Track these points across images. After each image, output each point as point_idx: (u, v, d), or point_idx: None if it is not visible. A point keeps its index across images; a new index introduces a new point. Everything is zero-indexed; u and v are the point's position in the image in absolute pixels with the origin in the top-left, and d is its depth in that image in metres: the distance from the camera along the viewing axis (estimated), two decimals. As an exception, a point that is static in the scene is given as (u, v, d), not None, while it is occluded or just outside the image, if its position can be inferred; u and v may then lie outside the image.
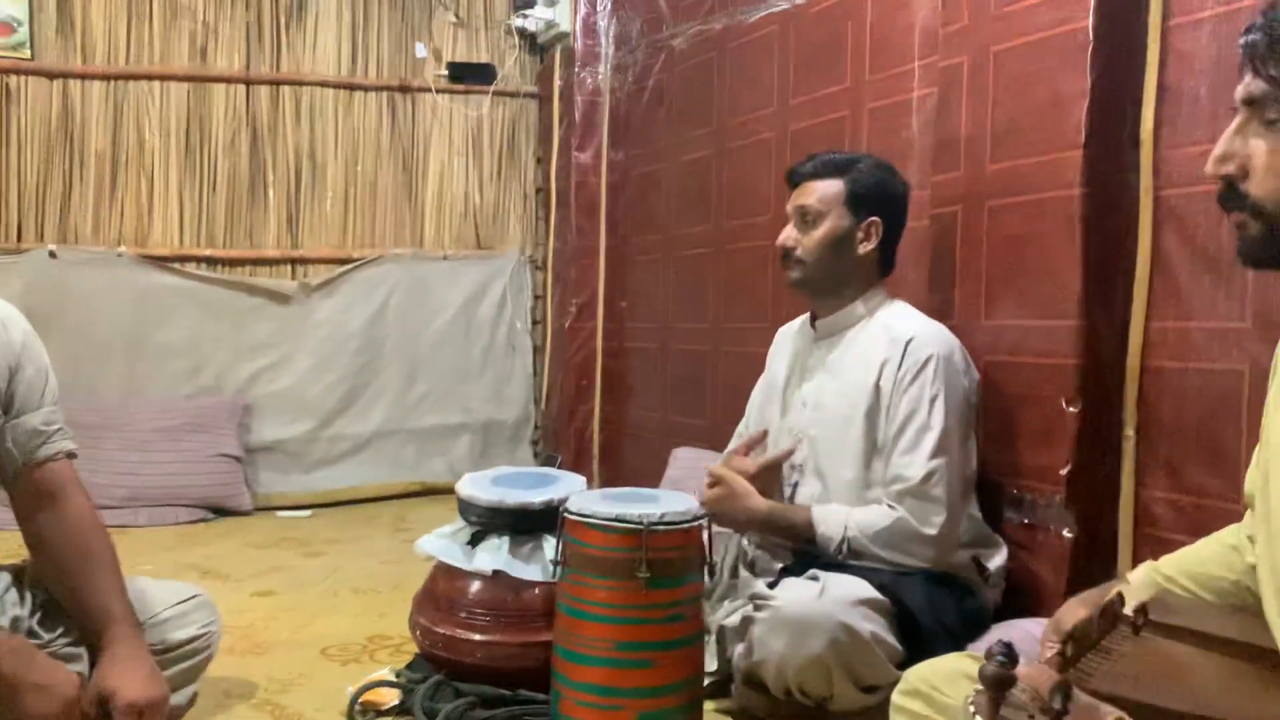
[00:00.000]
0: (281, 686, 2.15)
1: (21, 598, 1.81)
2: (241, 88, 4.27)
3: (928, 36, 2.43)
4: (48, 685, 1.57)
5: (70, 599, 1.79)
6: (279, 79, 4.32)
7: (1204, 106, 1.86)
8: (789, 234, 2.11)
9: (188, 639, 1.91)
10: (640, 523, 1.71)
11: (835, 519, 1.95)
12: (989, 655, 0.84)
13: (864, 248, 2.09)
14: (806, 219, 2.08)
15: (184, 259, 4.23)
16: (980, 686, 0.83)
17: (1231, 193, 1.02)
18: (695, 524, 1.78)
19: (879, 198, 2.09)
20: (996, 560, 2.02)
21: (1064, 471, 1.96)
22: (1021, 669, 0.86)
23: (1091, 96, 1.95)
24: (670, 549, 1.74)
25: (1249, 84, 0.99)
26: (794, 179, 2.14)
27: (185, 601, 1.96)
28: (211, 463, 3.98)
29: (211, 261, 4.28)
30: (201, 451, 3.97)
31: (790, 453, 2.11)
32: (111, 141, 4.14)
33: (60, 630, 1.79)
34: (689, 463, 3.16)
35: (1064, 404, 1.96)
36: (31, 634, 1.76)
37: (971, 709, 0.83)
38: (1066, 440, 1.96)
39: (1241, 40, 1.00)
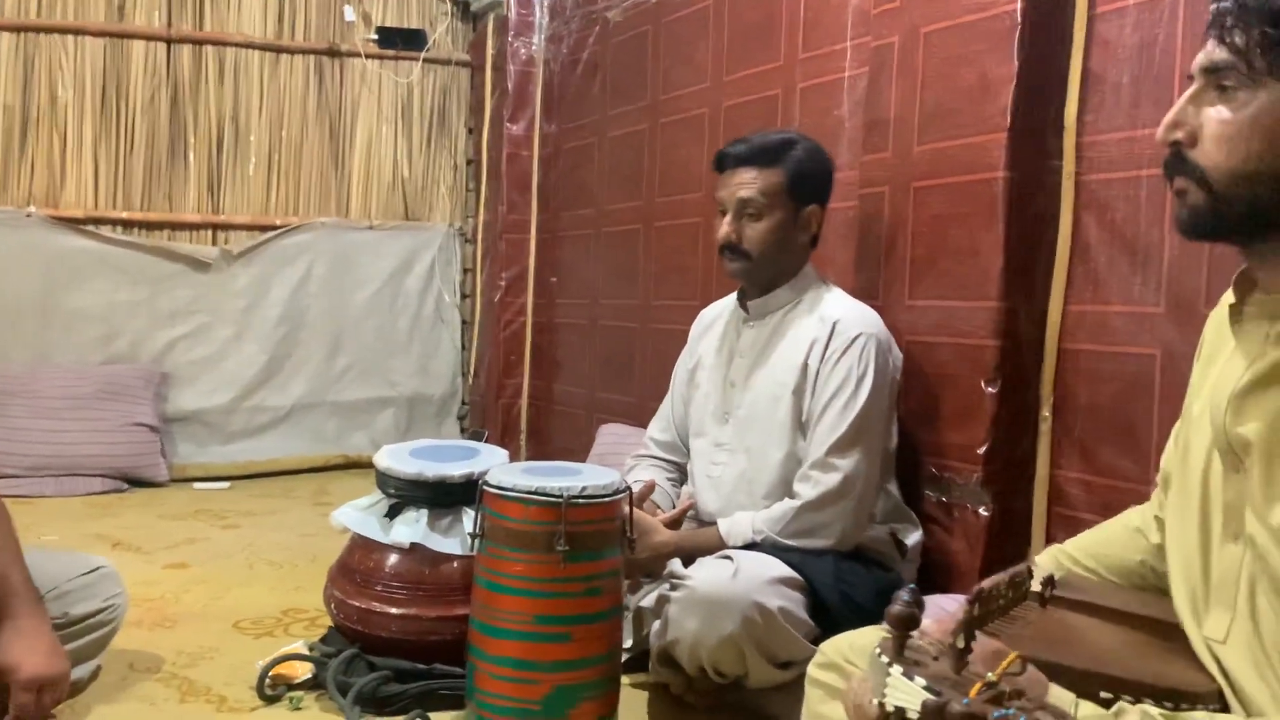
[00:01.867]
0: (190, 660, 2.10)
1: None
2: (162, 45, 4.12)
3: (860, 16, 2.43)
4: None
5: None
6: (202, 38, 4.18)
7: (1126, 94, 1.88)
8: (730, 227, 2.06)
9: (91, 612, 1.86)
10: (560, 496, 1.69)
11: (741, 526, 1.95)
12: (894, 598, 0.84)
13: (805, 235, 2.09)
14: (749, 211, 2.04)
15: (98, 221, 4.09)
16: (887, 627, 0.84)
17: (1178, 160, 1.02)
18: (616, 498, 1.77)
19: (817, 185, 2.08)
20: (914, 537, 2.04)
21: (981, 450, 1.98)
22: (927, 622, 0.87)
23: (1018, 81, 1.96)
24: (590, 523, 1.73)
25: (1211, 52, 0.99)
26: (725, 164, 2.08)
27: (89, 574, 1.91)
28: (125, 432, 3.86)
29: (128, 225, 4.13)
30: (115, 421, 3.85)
31: (690, 508, 2.10)
32: (21, 96, 3.97)
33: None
34: (616, 439, 3.15)
35: (983, 384, 1.99)
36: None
37: (878, 650, 0.83)
38: (985, 420, 1.99)
39: (1212, 8, 1.00)
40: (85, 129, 4.05)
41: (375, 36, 4.43)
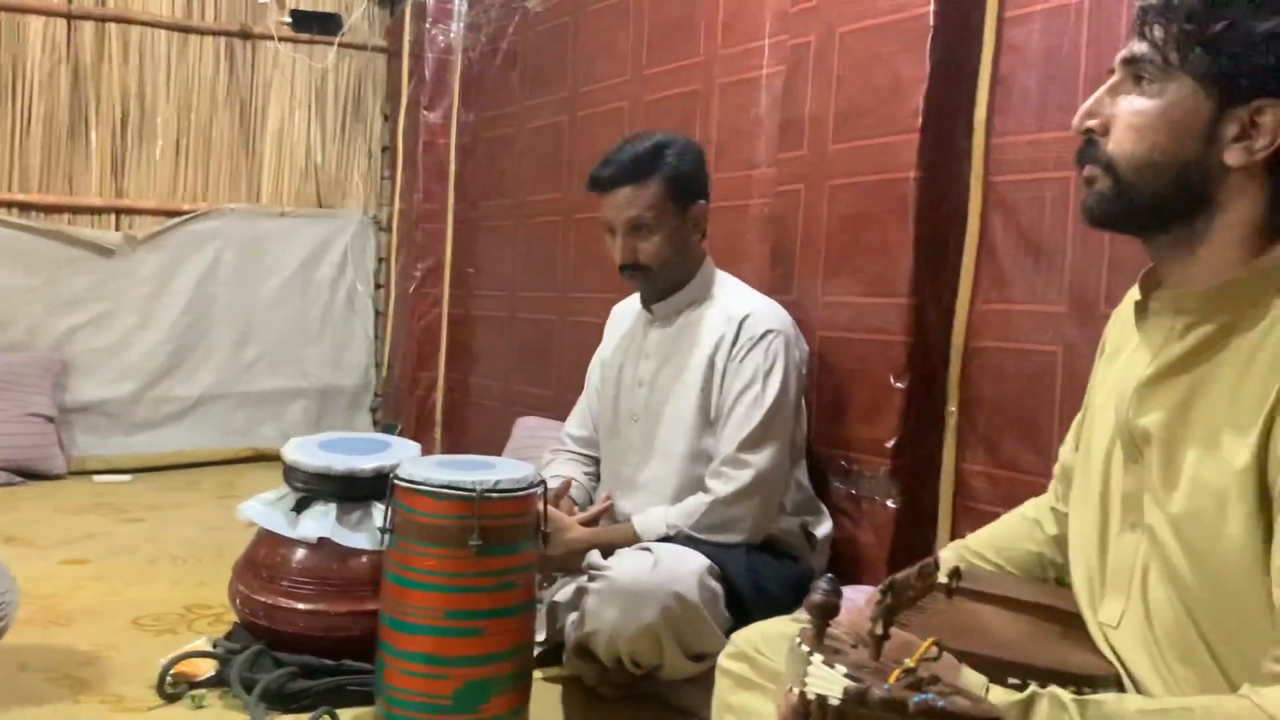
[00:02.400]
0: (85, 659, 2.03)
1: None
2: (62, 21, 3.96)
3: (779, 14, 2.45)
4: None
5: None
6: (105, 15, 4.03)
7: (1033, 98, 1.93)
8: (625, 247, 2.04)
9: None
10: (473, 490, 1.68)
11: (654, 520, 1.96)
12: (814, 587, 0.85)
13: (696, 234, 2.09)
14: (639, 228, 2.03)
15: (-7, 203, 3.92)
16: (807, 616, 0.85)
17: (1089, 148, 1.05)
18: (530, 492, 1.76)
19: (696, 183, 2.08)
20: (823, 529, 2.07)
21: (890, 444, 2.02)
22: (843, 615, 0.88)
23: (930, 83, 2.00)
24: (503, 517, 1.72)
25: (1132, 45, 1.02)
26: (601, 186, 2.06)
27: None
28: (20, 423, 3.71)
29: (25, 207, 3.97)
30: (9, 411, 3.70)
31: (607, 509, 2.10)
32: (-93, 70, 3.79)
33: None
34: (532, 432, 3.13)
35: (892, 380, 2.03)
36: None
37: (798, 640, 0.84)
38: (894, 414, 2.02)
39: (1138, 4, 1.03)
40: (-23, 107, 3.88)
41: (289, 20, 4.32)
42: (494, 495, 1.70)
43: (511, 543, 1.74)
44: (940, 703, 0.75)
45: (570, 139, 3.34)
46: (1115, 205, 1.04)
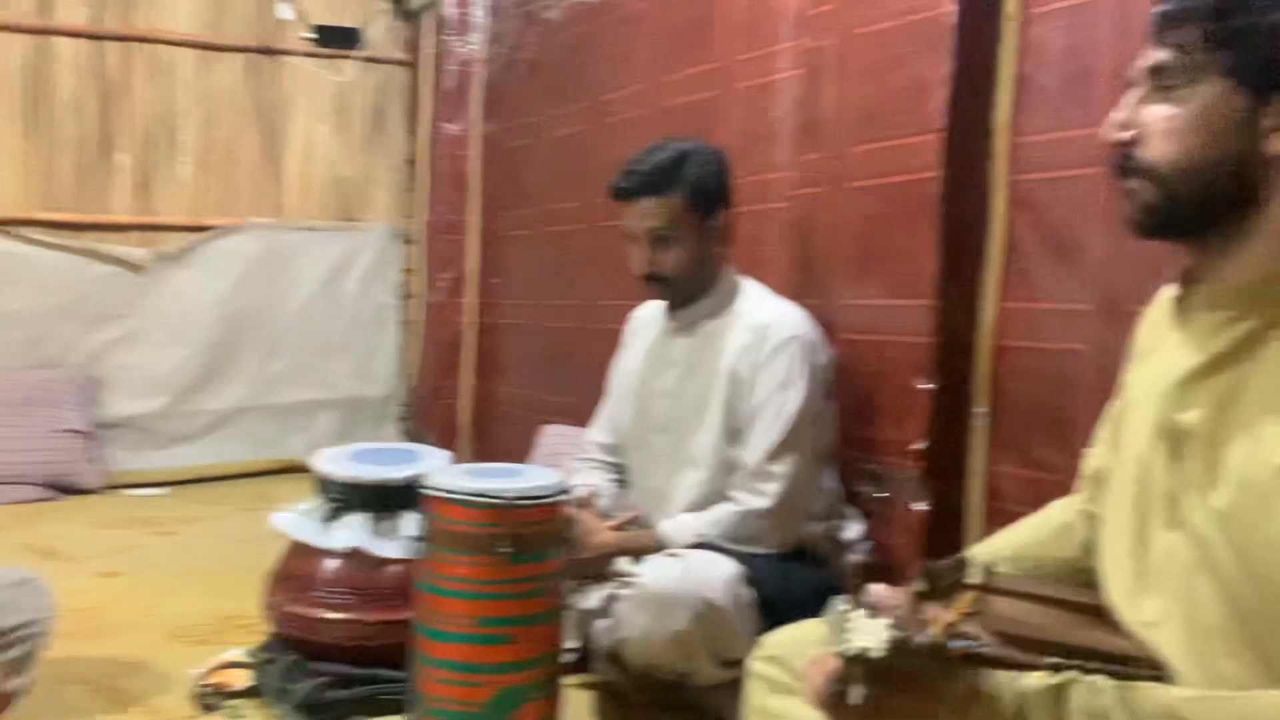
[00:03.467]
0: (123, 670, 2.06)
1: None
2: (89, 43, 4.02)
3: (797, 18, 2.45)
4: None
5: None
6: (130, 35, 4.09)
7: (1056, 97, 1.92)
8: (645, 258, 2.04)
9: (18, 625, 1.81)
10: (502, 498, 1.69)
11: (682, 528, 1.96)
12: (853, 550, 0.87)
13: (718, 243, 2.09)
14: (661, 239, 2.02)
15: (24, 223, 3.97)
16: (847, 576, 0.86)
17: (1126, 160, 1.04)
18: (558, 499, 1.77)
19: (718, 191, 2.07)
20: (852, 533, 2.07)
21: (917, 447, 2.02)
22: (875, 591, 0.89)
23: (952, 82, 2.00)
24: (532, 524, 1.73)
25: (1154, 54, 1.02)
26: (623, 196, 2.06)
27: (15, 586, 1.86)
28: (54, 439, 3.77)
29: (56, 226, 4.03)
30: (43, 427, 3.76)
31: (634, 519, 2.09)
32: (-59, 94, 3.86)
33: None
34: (557, 440, 3.15)
35: (918, 381, 2.02)
36: None
37: (838, 601, 0.85)
38: (920, 416, 2.02)
39: (1153, 11, 1.02)
40: (9, 128, 3.94)
41: (310, 35, 4.37)
42: (523, 502, 1.71)
43: (540, 550, 1.75)
44: (982, 648, 0.76)
45: (591, 147, 3.35)
46: (1162, 214, 1.03)
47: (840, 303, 2.20)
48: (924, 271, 2.02)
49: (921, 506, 2.02)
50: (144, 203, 4.17)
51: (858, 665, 0.81)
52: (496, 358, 4.01)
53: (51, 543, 3.05)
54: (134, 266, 4.12)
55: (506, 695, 1.72)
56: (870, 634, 0.80)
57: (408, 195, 4.58)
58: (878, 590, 0.88)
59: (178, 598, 2.56)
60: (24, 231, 3.96)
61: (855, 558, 0.84)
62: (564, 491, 1.80)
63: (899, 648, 0.78)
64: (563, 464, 2.44)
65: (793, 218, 2.35)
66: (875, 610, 0.83)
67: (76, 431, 3.84)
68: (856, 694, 0.81)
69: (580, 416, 2.58)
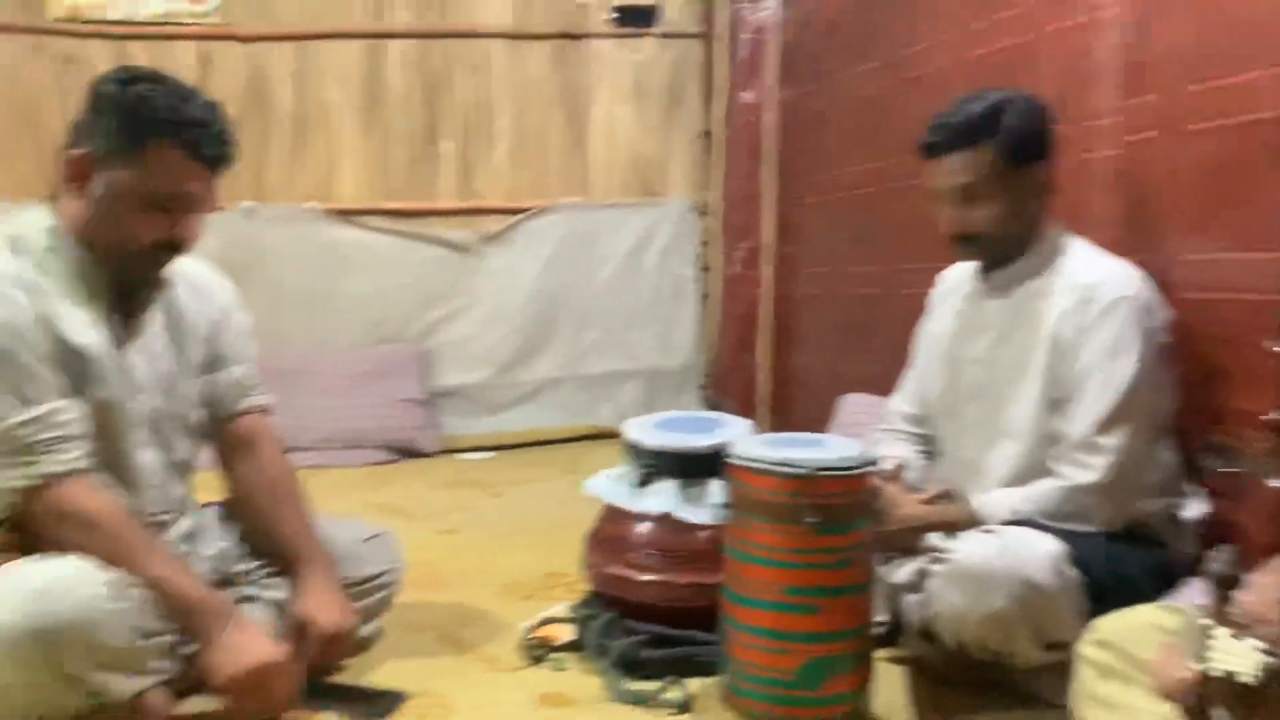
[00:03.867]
0: (461, 620, 2.24)
1: (229, 531, 1.96)
2: (414, 43, 4.39)
3: (1119, -50, 2.25)
4: (236, 649, 1.66)
5: (266, 538, 1.93)
6: (450, 32, 4.41)
7: None
8: (954, 216, 1.94)
9: (374, 574, 2.02)
10: (807, 468, 1.69)
11: (998, 504, 1.86)
12: (1212, 558, 0.79)
13: (1036, 199, 1.96)
14: (971, 197, 1.91)
15: (366, 212, 4.41)
16: (1207, 587, 0.79)
17: None
18: (863, 470, 1.75)
19: (1037, 143, 1.93)
20: (1192, 511, 1.89)
21: (1271, 417, 1.81)
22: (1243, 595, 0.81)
23: (1309, 6, 1.76)
24: (837, 495, 1.72)
25: None
26: (932, 153, 1.96)
27: (372, 539, 2.08)
28: (396, 407, 4.18)
29: (392, 214, 4.44)
30: (387, 396, 4.17)
31: (945, 493, 2.00)
32: (298, 101, 4.34)
33: (261, 562, 1.93)
34: (858, 410, 3.10)
35: (1269, 344, 1.81)
36: (238, 561, 1.91)
37: (1198, 615, 0.79)
38: (1273, 382, 1.81)
39: None
40: (352, 127, 4.38)
41: (611, 16, 4.52)
42: (827, 473, 1.70)
43: (847, 521, 1.73)
44: None
45: (892, 105, 3.24)
46: None
47: (1178, 259, 2.01)
48: (1272, 221, 1.80)
49: (1276, 483, 1.81)
50: (466, 188, 4.50)
51: (1223, 686, 0.74)
52: (794, 327, 4.00)
53: (396, 501, 3.37)
54: (460, 248, 4.47)
55: (816, 665, 1.72)
56: (1238, 656, 0.73)
57: (704, 168, 4.65)
58: (1248, 605, 0.80)
59: (507, 554, 2.76)
60: (366, 220, 4.40)
61: (1214, 566, 0.76)
62: (870, 463, 1.77)
63: (1273, 675, 0.70)
64: (863, 434, 2.40)
65: (1121, 168, 2.16)
66: (1242, 628, 0.75)
67: (415, 400, 4.24)
68: (1220, 717, 0.75)
69: (881, 386, 2.52)
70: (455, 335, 4.49)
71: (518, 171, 4.54)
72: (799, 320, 3.97)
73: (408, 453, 4.16)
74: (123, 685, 1.56)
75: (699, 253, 4.69)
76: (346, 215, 4.38)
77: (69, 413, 1.68)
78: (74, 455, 1.67)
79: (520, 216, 4.51)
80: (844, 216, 3.57)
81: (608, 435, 4.39)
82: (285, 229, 4.31)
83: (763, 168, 4.07)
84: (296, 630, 1.77)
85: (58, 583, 1.51)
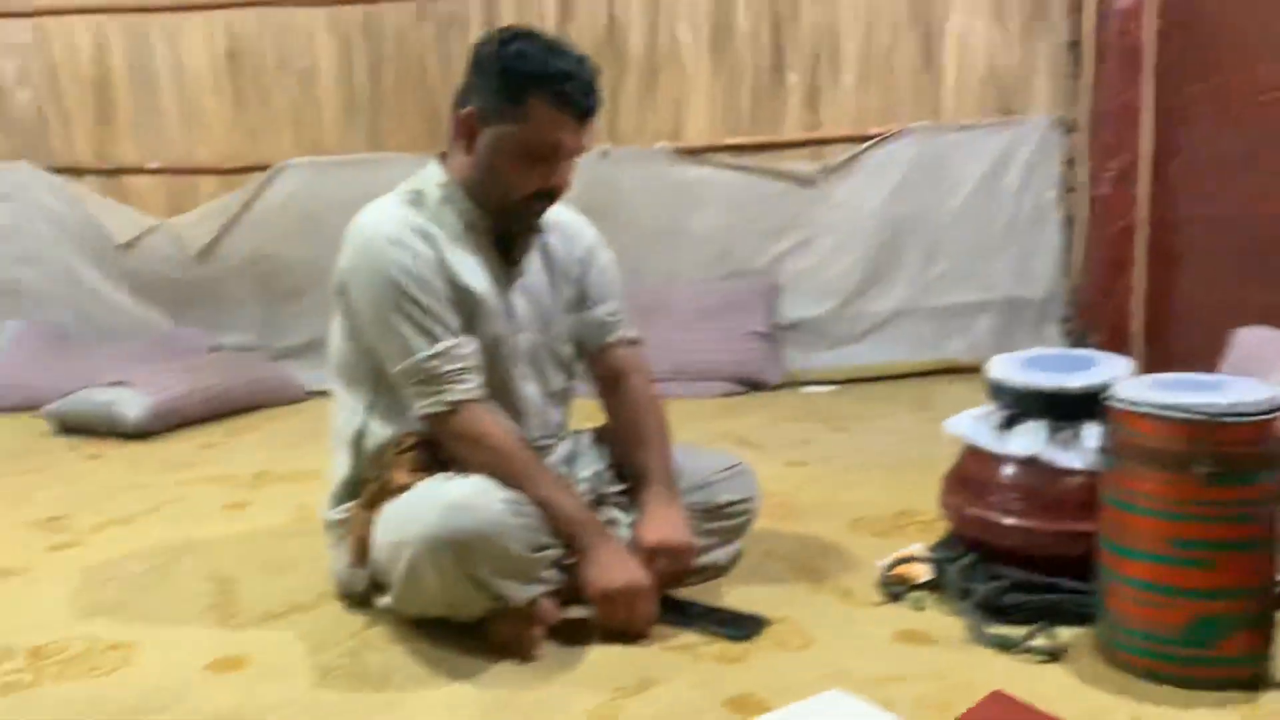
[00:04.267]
0: (813, 551, 2.27)
1: (602, 455, 2.11)
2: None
3: None
4: (609, 566, 1.82)
5: (624, 463, 2.06)
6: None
7: None
8: None
9: (729, 501, 2.11)
10: (1204, 413, 1.54)
11: None
12: None
13: None
14: None
15: (713, 149, 4.49)
16: None
17: None
18: (1273, 417, 1.57)
19: None
20: None
21: None
22: None
23: None
24: (1239, 443, 1.55)
25: None
26: None
27: (729, 469, 2.16)
28: (742, 340, 4.26)
29: (737, 149, 4.49)
30: (734, 330, 4.26)
31: None
32: (650, 45, 4.46)
33: (627, 486, 2.07)
34: (1258, 346, 2.76)
35: None
36: (609, 484, 2.07)
37: None
38: None
39: None
40: (700, 66, 4.45)
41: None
42: (1228, 419, 1.54)
43: (1249, 472, 1.57)
44: None
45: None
46: None
47: None
48: None
49: None
50: (811, 119, 4.45)
51: None
52: (1175, 252, 3.63)
53: (744, 433, 3.46)
54: (804, 180, 4.44)
55: (1203, 623, 1.59)
56: None
57: (1070, 81, 4.29)
58: None
59: (856, 489, 2.76)
60: (713, 157, 4.48)
61: None
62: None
63: None
64: (1266, 374, 2.14)
65: None
66: None
67: (760, 334, 4.30)
68: None
69: (1287, 318, 2.24)
70: (799, 268, 4.49)
71: (864, 97, 4.42)
72: (1182, 244, 3.59)
73: (752, 385, 4.23)
74: (520, 592, 1.74)
75: (1062, 173, 4.36)
76: (694, 153, 4.48)
77: (467, 347, 1.87)
78: (473, 385, 1.86)
79: (867, 144, 4.40)
80: (1245, 126, 3.17)
81: (959, 370, 4.25)
82: (637, 169, 4.48)
83: (1141, 76, 3.69)
84: (641, 552, 1.88)
85: (468, 498, 1.70)
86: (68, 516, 2.73)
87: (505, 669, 1.74)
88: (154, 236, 4.61)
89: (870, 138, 4.40)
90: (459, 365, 1.86)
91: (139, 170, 4.66)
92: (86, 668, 1.80)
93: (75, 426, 3.77)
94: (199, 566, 2.31)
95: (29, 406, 4.07)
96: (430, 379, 1.84)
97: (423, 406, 1.85)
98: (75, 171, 4.66)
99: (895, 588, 2.01)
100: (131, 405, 3.68)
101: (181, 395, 3.84)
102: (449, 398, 1.84)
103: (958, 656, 1.75)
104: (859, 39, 4.37)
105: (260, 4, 4.50)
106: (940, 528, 2.17)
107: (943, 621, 1.89)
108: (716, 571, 2.11)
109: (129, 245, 4.61)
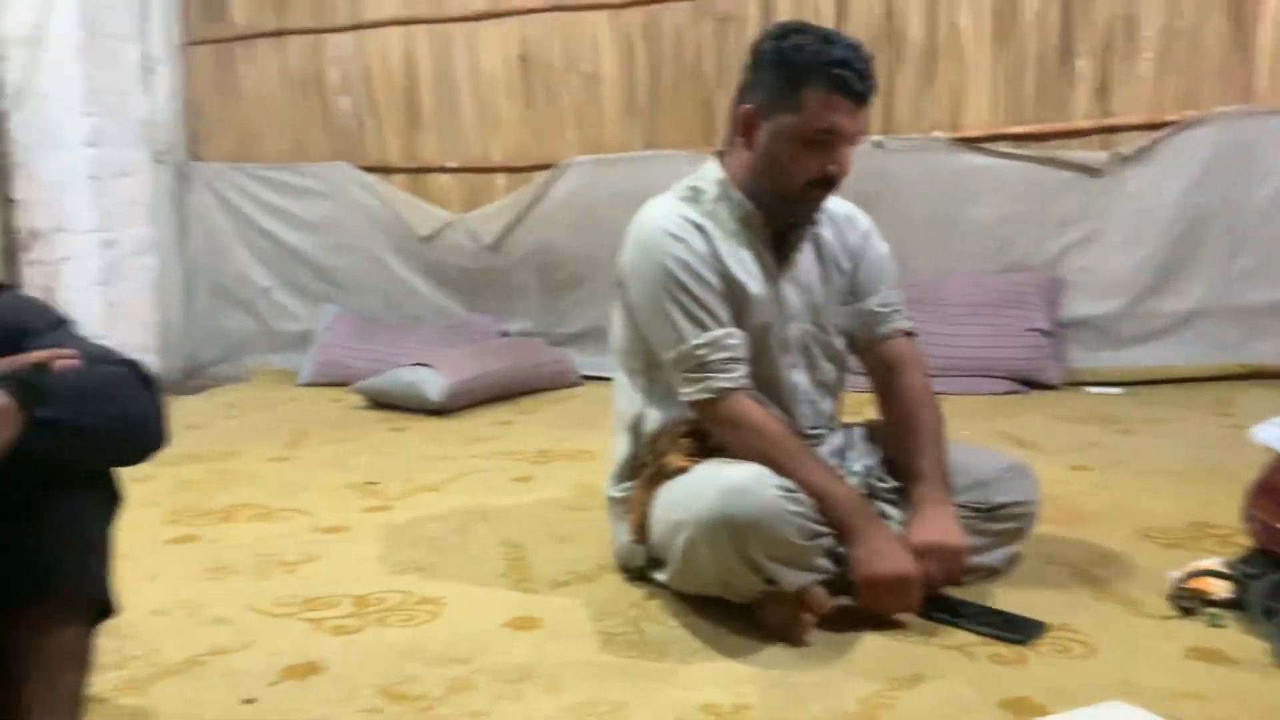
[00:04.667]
0: (1096, 559, 2.18)
1: (873, 450, 2.12)
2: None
3: None
4: (880, 554, 1.83)
5: (896, 459, 2.05)
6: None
7: None
8: None
9: (1007, 503, 2.06)
10: None
11: None
12: None
13: None
14: None
15: (993, 139, 4.33)
16: None
17: None
18: None
19: None
20: None
21: None
22: None
23: None
24: None
25: None
26: None
27: (1007, 469, 2.11)
28: (1021, 337, 4.10)
29: (1020, 139, 4.31)
30: (1011, 326, 4.11)
31: None
32: (929, 32, 4.36)
33: (895, 484, 2.06)
34: None
35: None
36: (879, 479, 2.06)
37: None
38: None
39: None
40: (982, 53, 4.31)
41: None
42: None
43: None
44: None
45: None
46: None
47: None
48: None
49: None
50: (1102, 106, 4.21)
51: None
52: None
53: (1023, 433, 3.33)
54: (1092, 170, 4.20)
55: None
56: None
57: None
58: None
59: (1146, 497, 2.61)
60: (993, 146, 4.32)
61: None
62: None
63: None
64: None
65: None
66: None
67: (1041, 330, 4.11)
68: None
69: None
70: (1085, 263, 4.25)
71: (1163, 82, 4.13)
72: None
73: (1030, 383, 4.07)
74: (792, 578, 1.80)
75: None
76: (973, 143, 4.34)
77: (735, 338, 1.94)
78: (740, 374, 1.93)
79: (1165, 131, 4.10)
80: None
81: (1266, 375, 3.90)
82: (912, 159, 4.38)
83: None
84: (911, 549, 1.87)
85: (745, 483, 1.77)
86: (380, 482, 3.04)
87: (779, 650, 1.80)
88: (451, 230, 5.00)
89: (1167, 124, 4.10)
90: (726, 355, 1.93)
91: (439, 169, 5.06)
92: (403, 617, 2.01)
93: (384, 402, 4.18)
94: (493, 533, 2.52)
95: (344, 382, 4.55)
96: (699, 366, 1.93)
97: (690, 393, 1.94)
98: (385, 170, 5.13)
99: (1188, 602, 1.90)
100: (432, 385, 4.02)
101: (474, 377, 4.16)
102: (715, 385, 1.92)
103: (1261, 680, 1.65)
104: (1159, 20, 4.08)
105: (550, 9, 4.77)
106: (1240, 542, 2.03)
107: (1243, 642, 1.77)
108: (990, 573, 2.07)
109: (429, 238, 5.03)
